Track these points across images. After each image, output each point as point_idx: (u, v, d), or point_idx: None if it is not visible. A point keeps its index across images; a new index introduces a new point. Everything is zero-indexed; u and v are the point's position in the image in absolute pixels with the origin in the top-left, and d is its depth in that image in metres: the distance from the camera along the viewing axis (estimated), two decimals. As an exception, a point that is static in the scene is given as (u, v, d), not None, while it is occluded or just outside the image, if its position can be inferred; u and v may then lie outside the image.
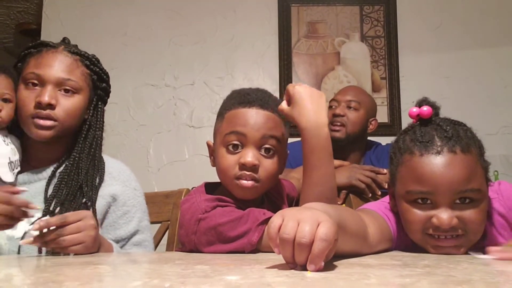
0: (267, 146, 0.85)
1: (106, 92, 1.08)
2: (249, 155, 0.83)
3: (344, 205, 1.32)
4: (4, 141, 0.97)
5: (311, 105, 0.84)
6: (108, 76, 1.09)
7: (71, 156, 1.00)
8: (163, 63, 2.33)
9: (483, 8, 2.33)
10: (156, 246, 1.22)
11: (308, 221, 0.51)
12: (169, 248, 1.20)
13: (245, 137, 0.84)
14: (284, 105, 0.87)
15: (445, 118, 0.83)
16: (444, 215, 0.74)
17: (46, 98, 0.94)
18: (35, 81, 0.97)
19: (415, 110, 0.82)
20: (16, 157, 0.98)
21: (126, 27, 2.36)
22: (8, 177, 0.94)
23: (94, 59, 1.05)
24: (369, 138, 1.65)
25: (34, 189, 0.95)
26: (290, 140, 0.98)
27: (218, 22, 2.36)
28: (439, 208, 0.75)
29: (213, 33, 2.35)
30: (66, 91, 0.98)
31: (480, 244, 0.81)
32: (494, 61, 2.28)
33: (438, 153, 0.76)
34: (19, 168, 0.98)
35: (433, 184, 0.75)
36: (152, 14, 2.37)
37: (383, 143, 1.67)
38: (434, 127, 0.80)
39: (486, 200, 0.78)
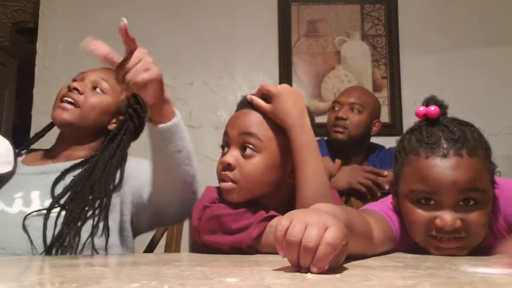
0: (246, 144, 0.83)
1: (137, 113, 1.12)
2: (227, 155, 0.83)
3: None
4: None
5: (294, 104, 0.84)
6: (145, 106, 1.12)
7: (88, 160, 1.05)
8: (162, 63, 2.32)
9: (484, 8, 2.33)
10: (154, 247, 1.22)
11: (315, 224, 0.51)
12: (168, 249, 1.20)
13: (228, 137, 0.85)
14: (263, 103, 0.85)
15: (452, 118, 0.82)
16: (447, 217, 0.74)
17: (75, 84, 1.05)
18: (77, 79, 1.09)
19: (422, 109, 0.80)
20: None
21: (125, 27, 2.35)
22: None
23: None
24: (371, 138, 1.63)
25: (49, 180, 1.00)
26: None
27: (217, 22, 2.36)
28: (442, 209, 0.75)
29: (212, 32, 2.35)
30: (96, 89, 1.08)
31: (484, 244, 0.80)
32: (495, 60, 2.27)
33: (444, 156, 0.74)
34: None
35: (437, 185, 0.74)
36: (152, 14, 2.37)
37: (384, 144, 1.66)
38: (441, 128, 0.78)
39: (491, 202, 0.77)
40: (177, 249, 1.21)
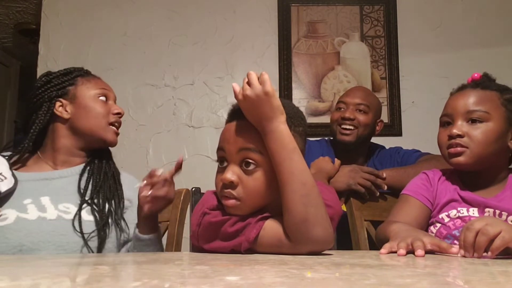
0: (247, 160, 0.79)
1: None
2: (227, 172, 0.79)
3: (344, 206, 1.32)
4: None
5: (259, 109, 0.78)
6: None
7: (94, 160, 1.14)
8: (163, 63, 2.33)
9: (483, 8, 2.33)
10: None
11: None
12: (168, 248, 1.20)
13: (225, 153, 0.81)
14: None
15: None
16: (455, 127, 1.00)
17: (119, 110, 1.17)
18: (104, 98, 1.16)
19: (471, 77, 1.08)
20: None
21: (125, 27, 2.36)
22: None
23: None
24: (372, 139, 1.63)
25: (54, 185, 1.06)
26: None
27: (217, 22, 2.36)
28: (455, 125, 1.01)
29: (212, 33, 2.35)
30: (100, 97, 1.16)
31: None
32: (493, 61, 2.27)
33: (461, 89, 1.05)
34: None
35: (451, 107, 1.04)
36: (152, 14, 2.37)
37: (384, 144, 1.66)
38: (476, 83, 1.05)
39: (496, 127, 0.98)
40: (177, 248, 1.22)
